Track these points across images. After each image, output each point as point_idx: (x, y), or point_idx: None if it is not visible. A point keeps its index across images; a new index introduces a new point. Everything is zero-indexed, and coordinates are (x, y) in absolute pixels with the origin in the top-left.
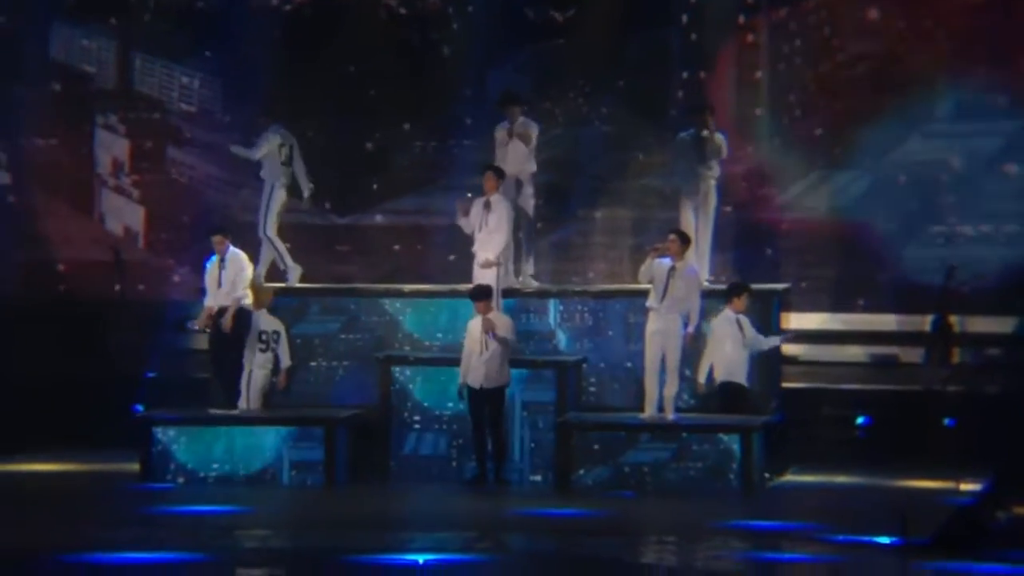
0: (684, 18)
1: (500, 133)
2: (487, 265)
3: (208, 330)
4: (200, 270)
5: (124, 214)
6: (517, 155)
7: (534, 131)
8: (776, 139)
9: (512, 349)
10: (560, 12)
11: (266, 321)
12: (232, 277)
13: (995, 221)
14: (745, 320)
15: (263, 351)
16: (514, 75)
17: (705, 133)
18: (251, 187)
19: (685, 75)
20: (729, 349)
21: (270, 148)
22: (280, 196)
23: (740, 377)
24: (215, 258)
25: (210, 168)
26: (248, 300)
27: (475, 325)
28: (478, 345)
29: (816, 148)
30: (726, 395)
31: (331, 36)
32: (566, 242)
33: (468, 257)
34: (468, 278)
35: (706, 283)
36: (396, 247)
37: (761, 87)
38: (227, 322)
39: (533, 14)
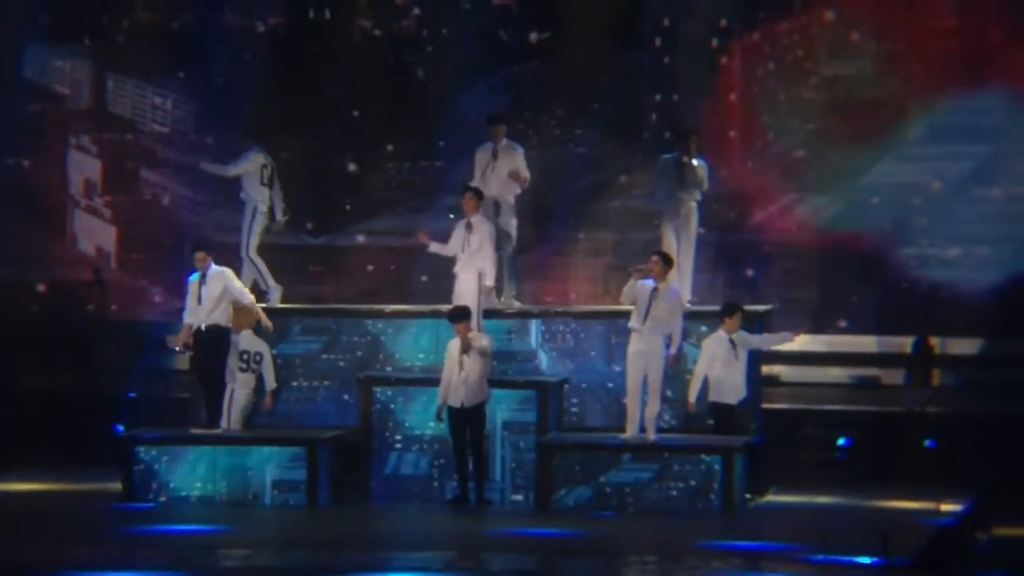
0: (657, 41)
1: (482, 154)
2: (488, 292)
3: (188, 348)
4: (175, 290)
5: (97, 234)
6: (500, 177)
7: (519, 152)
8: (749, 162)
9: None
10: (535, 35)
11: (248, 341)
12: (216, 293)
13: (967, 244)
14: (741, 336)
15: (243, 371)
16: (488, 97)
17: (686, 159)
18: (224, 208)
19: (658, 98)
20: (719, 369)
21: (251, 168)
22: (262, 217)
23: (730, 398)
24: (197, 275)
25: (183, 189)
26: (228, 319)
27: (454, 346)
28: (457, 366)
29: (790, 170)
30: (715, 415)
31: (305, 58)
32: (546, 263)
33: (441, 278)
34: (444, 299)
35: (687, 305)
36: (370, 267)
37: (734, 110)
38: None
39: (508, 37)
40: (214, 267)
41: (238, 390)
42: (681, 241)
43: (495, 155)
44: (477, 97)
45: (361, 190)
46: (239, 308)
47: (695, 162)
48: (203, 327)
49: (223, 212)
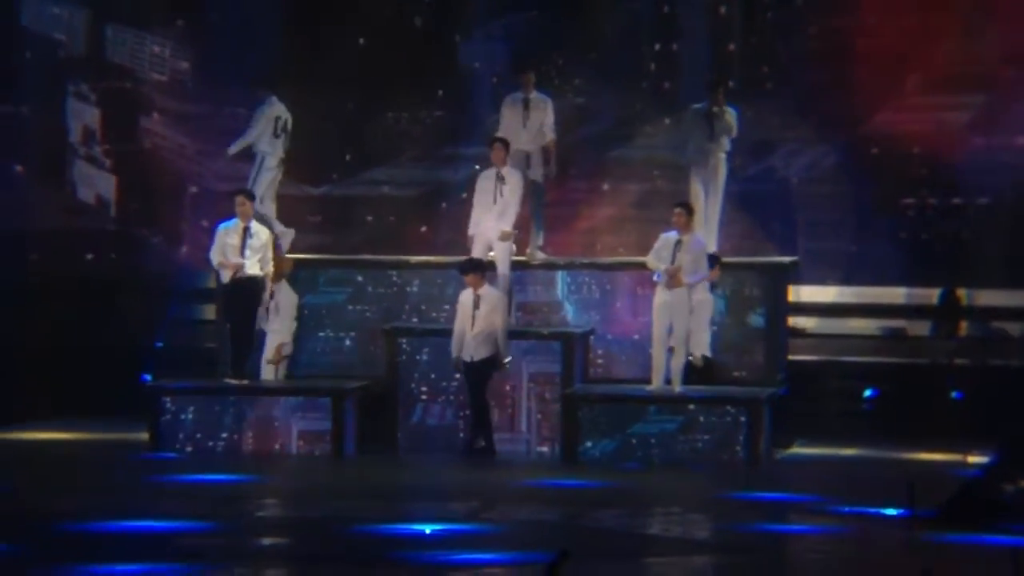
0: None
1: (512, 106)
2: (505, 237)
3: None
4: (174, 238)
5: (96, 183)
6: (532, 130)
7: (549, 106)
8: (749, 112)
9: (504, 325)
10: None
11: (287, 291)
12: (259, 245)
13: (965, 195)
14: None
15: (296, 319)
16: (487, 46)
17: (716, 109)
18: (223, 157)
19: (658, 47)
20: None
21: (264, 122)
22: (269, 165)
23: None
24: (235, 222)
25: (182, 138)
26: (269, 269)
27: (466, 299)
28: (469, 320)
29: (788, 121)
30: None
31: (303, 7)
32: (573, 214)
33: (441, 229)
34: (450, 250)
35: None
36: (368, 218)
37: (734, 60)
38: (268, 295)
39: None
40: (255, 222)
41: (284, 338)
42: (709, 192)
43: (526, 106)
44: (476, 46)
45: (360, 140)
46: (278, 259)
47: (725, 111)
48: (240, 276)
49: (223, 161)
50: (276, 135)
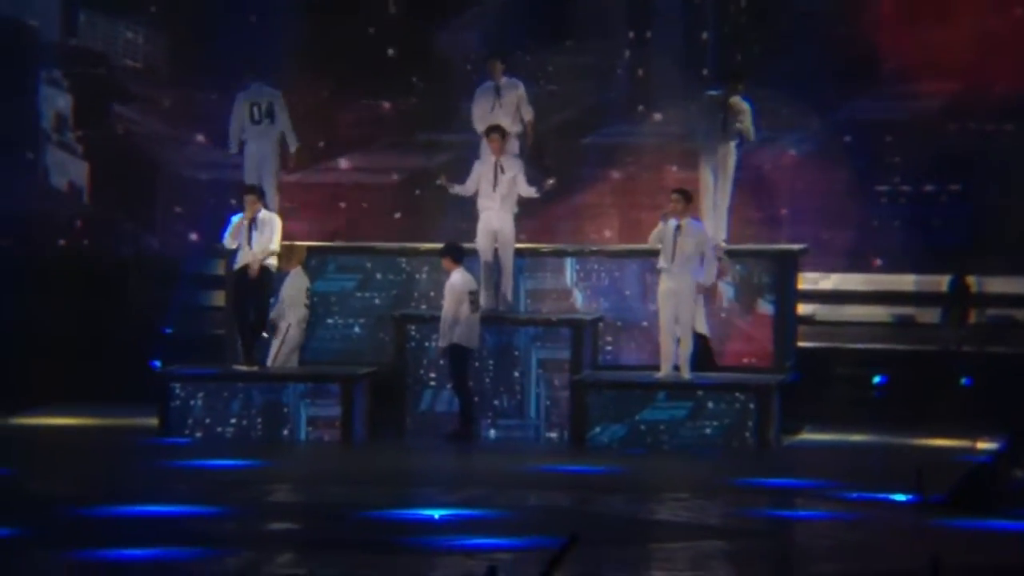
0: None
1: (485, 94)
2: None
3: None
4: (147, 224)
5: (69, 169)
6: (508, 115)
7: (521, 89)
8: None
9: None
10: None
11: (299, 279)
12: (269, 236)
13: (938, 181)
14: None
15: (307, 307)
16: (460, 33)
17: (734, 99)
18: (196, 144)
19: (632, 35)
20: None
21: (240, 112)
22: (252, 151)
23: (701, 327)
24: (241, 216)
25: (155, 124)
26: (273, 260)
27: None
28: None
29: (762, 108)
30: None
31: None
32: (548, 201)
33: (414, 215)
34: (420, 236)
35: (723, 244)
36: (342, 204)
37: (707, 48)
38: (255, 270)
39: None
40: (263, 211)
41: (295, 327)
42: (718, 180)
43: (498, 92)
44: (450, 33)
45: (334, 127)
46: (290, 247)
47: (740, 102)
48: (251, 268)
49: (195, 148)
50: (255, 121)
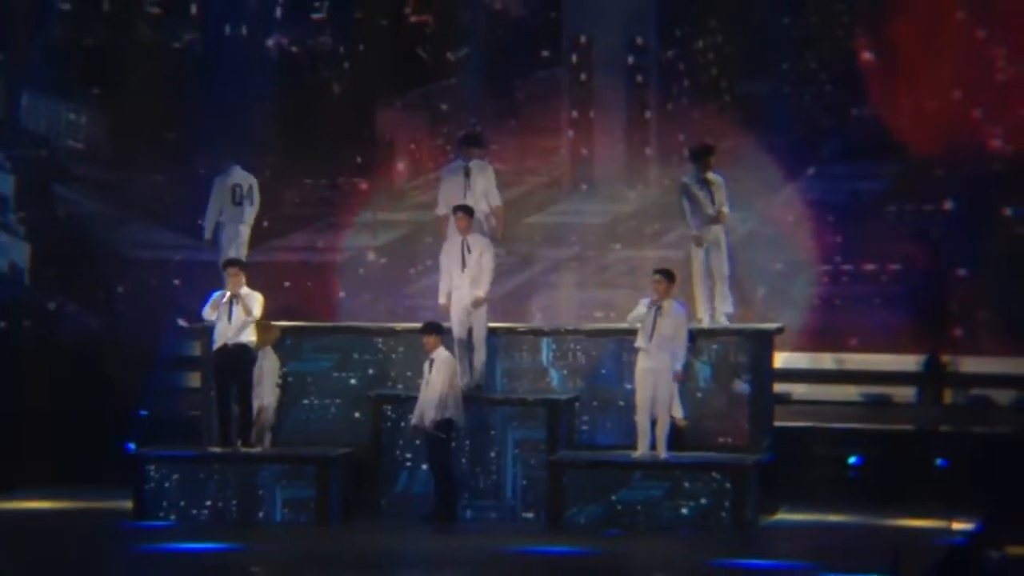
0: (574, 58)
1: (453, 174)
2: (479, 303)
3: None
4: (90, 307)
5: (10, 251)
6: (475, 196)
7: (489, 170)
8: (666, 179)
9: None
10: (452, 52)
11: (273, 358)
12: (249, 311)
13: (879, 260)
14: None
15: (279, 387)
16: (404, 114)
17: (710, 175)
18: (139, 223)
19: (575, 114)
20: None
21: (220, 194)
22: (229, 233)
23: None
24: (222, 292)
25: (97, 205)
26: (253, 338)
27: (426, 363)
28: (425, 384)
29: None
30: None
31: (222, 74)
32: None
33: (359, 295)
34: (362, 316)
35: (724, 320)
36: (286, 283)
37: (651, 127)
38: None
39: (425, 53)
40: (246, 288)
41: (271, 407)
42: (712, 258)
43: (467, 173)
44: (395, 114)
45: (278, 206)
46: (265, 326)
47: (717, 178)
48: (229, 344)
49: (138, 228)
50: (236, 203)
